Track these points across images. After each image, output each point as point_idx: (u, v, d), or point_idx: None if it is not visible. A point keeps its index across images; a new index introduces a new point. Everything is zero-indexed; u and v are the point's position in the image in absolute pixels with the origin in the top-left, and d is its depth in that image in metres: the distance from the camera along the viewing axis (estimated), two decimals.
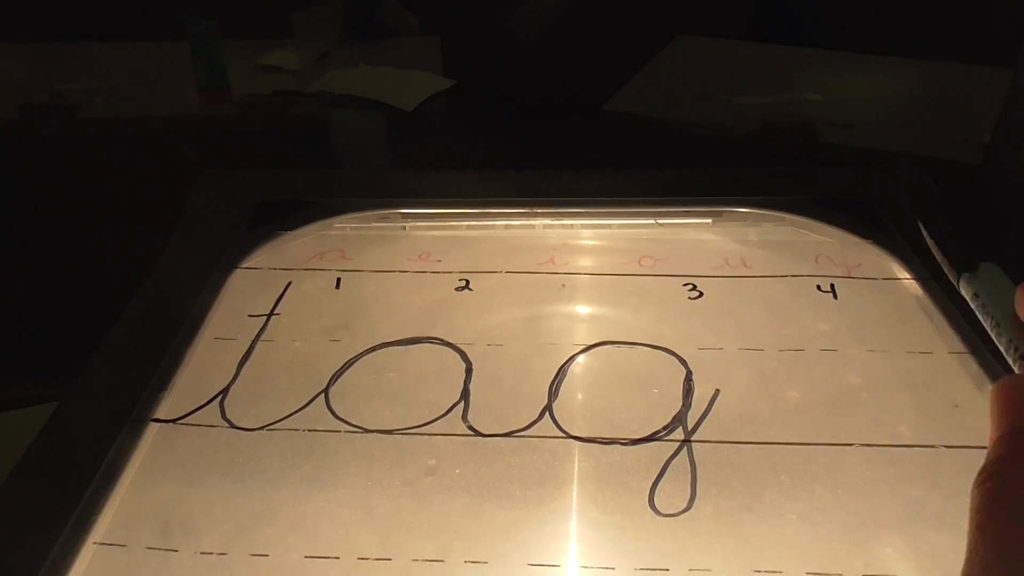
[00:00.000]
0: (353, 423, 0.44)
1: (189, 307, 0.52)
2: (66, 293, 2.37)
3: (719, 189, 0.67)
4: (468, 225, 0.63)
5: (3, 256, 2.25)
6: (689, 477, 0.40)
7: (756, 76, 2.47)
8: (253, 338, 0.50)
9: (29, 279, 2.32)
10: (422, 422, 0.44)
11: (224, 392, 0.46)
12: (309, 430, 0.44)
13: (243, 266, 0.57)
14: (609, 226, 0.62)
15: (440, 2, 3.43)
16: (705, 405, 0.44)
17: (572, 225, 0.63)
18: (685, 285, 0.54)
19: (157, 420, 0.44)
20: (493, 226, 0.63)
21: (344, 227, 0.63)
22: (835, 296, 0.52)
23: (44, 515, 0.38)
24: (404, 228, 0.64)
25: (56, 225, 2.26)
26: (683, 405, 0.44)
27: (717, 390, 0.45)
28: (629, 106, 2.36)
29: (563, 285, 0.54)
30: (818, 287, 0.53)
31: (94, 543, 0.38)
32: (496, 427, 0.44)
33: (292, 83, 2.31)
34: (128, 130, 2.13)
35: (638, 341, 0.49)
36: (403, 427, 0.44)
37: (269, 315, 0.52)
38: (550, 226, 0.63)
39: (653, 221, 0.64)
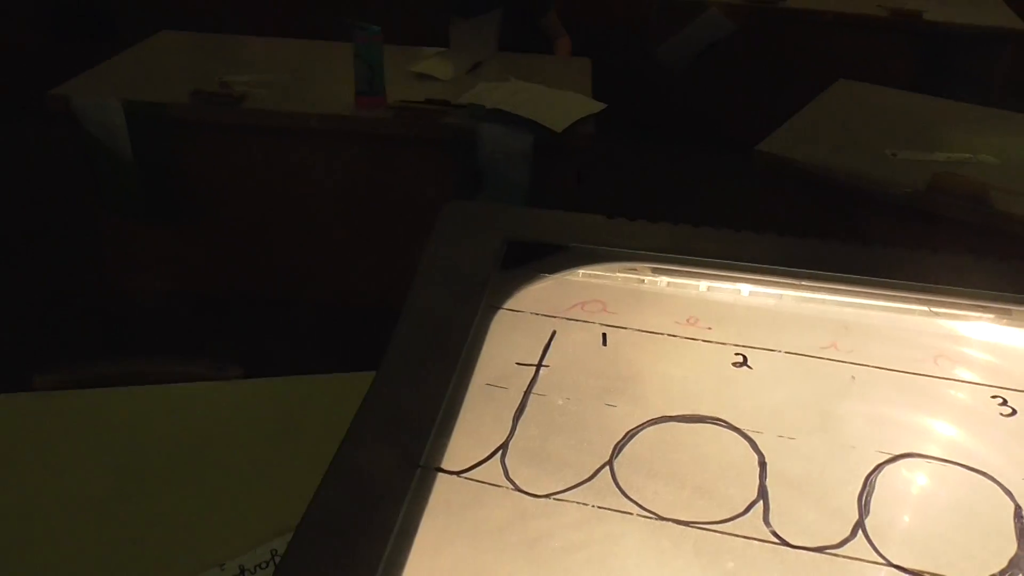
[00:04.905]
0: (646, 507, 0.41)
1: (459, 348, 0.50)
2: (218, 273, 2.48)
3: (997, 282, 0.60)
4: (725, 288, 0.60)
5: (164, 234, 2.37)
6: None
7: (921, 131, 2.33)
8: (525, 390, 0.49)
9: (183, 257, 2.44)
10: (719, 518, 0.41)
11: (503, 447, 0.45)
12: (598, 507, 0.41)
13: (505, 307, 0.55)
14: (883, 308, 0.57)
15: (592, 25, 3.42)
16: None
17: (837, 302, 0.58)
18: (993, 397, 0.48)
19: (442, 470, 0.43)
20: (742, 291, 0.60)
21: (591, 275, 0.60)
22: None
23: (353, 564, 0.37)
24: (643, 281, 0.61)
25: (212, 207, 2.37)
26: (1020, 548, 0.39)
27: None
28: (784, 148, 2.27)
29: (853, 377, 0.50)
30: None
31: None
32: (803, 538, 0.40)
33: (444, 92, 2.34)
34: (287, 124, 2.21)
35: (952, 459, 0.44)
36: (700, 520, 0.41)
37: (539, 366, 0.50)
38: (813, 300, 0.58)
39: (927, 309, 0.58)
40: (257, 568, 0.86)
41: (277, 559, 0.86)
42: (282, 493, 0.92)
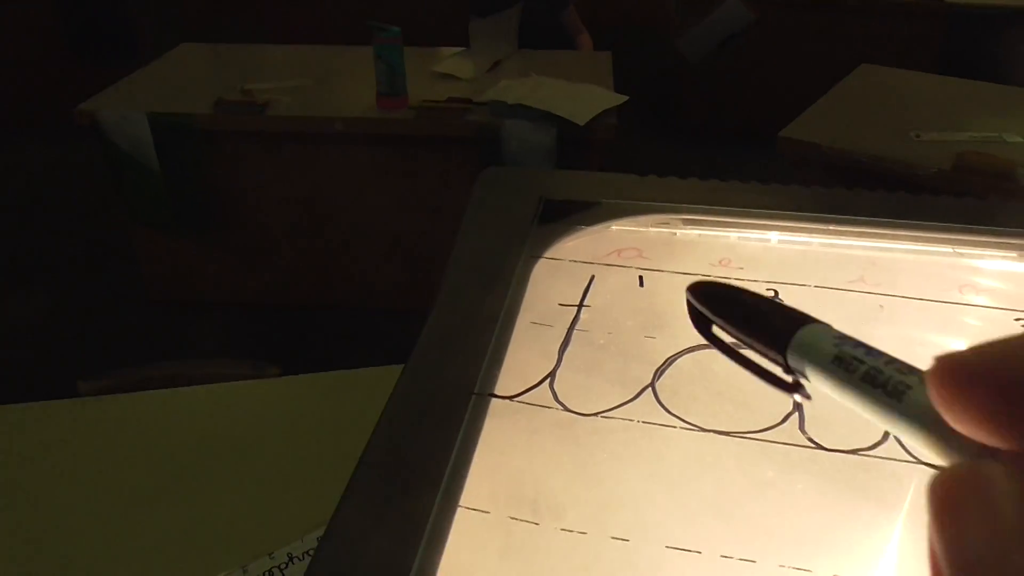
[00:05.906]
0: (689, 420, 0.44)
1: (503, 292, 0.54)
2: (248, 279, 2.53)
3: (1021, 222, 0.62)
4: (755, 236, 0.62)
5: (193, 242, 2.43)
6: None
7: (945, 111, 2.33)
8: (568, 326, 0.52)
9: (215, 263, 2.50)
10: (757, 428, 0.43)
11: (551, 375, 0.48)
12: (643, 422, 0.44)
13: (544, 257, 0.58)
14: (909, 249, 0.60)
15: (611, 20, 3.44)
16: None
17: (864, 246, 0.61)
18: (1017, 320, 0.50)
19: (495, 395, 0.46)
20: (772, 238, 0.62)
21: (625, 228, 0.63)
22: None
23: (416, 476, 0.40)
24: (675, 234, 0.64)
25: (240, 214, 2.43)
26: None
27: None
28: (808, 134, 2.28)
29: (881, 306, 0.52)
30: None
31: (461, 506, 0.39)
32: (837, 443, 0.42)
33: (465, 91, 2.38)
34: (310, 129, 2.26)
35: None
36: (740, 430, 0.43)
37: (580, 305, 0.53)
38: (841, 245, 0.61)
39: (951, 250, 0.60)
40: (305, 555, 0.87)
41: None
42: (326, 482, 0.95)
